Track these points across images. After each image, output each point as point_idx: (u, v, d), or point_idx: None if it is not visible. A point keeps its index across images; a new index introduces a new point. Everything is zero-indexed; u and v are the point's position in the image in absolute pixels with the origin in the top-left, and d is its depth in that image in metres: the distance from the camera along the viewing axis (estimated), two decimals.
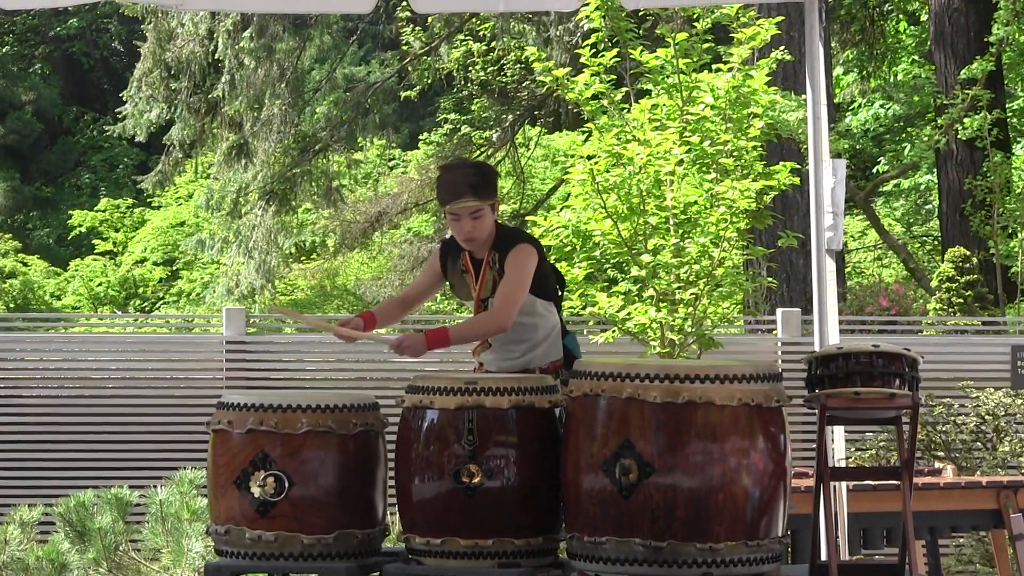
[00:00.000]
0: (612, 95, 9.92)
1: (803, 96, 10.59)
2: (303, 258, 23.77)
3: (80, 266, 25.59)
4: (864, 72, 21.00)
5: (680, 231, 9.59)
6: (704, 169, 9.75)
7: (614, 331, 9.81)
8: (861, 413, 5.67)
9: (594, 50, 10.01)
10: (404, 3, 16.82)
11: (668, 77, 9.92)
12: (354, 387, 10.33)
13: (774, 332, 10.91)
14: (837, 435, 7.26)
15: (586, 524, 5.15)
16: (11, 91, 30.38)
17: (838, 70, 21.07)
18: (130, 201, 27.30)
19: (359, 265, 23.44)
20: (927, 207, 22.12)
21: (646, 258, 9.50)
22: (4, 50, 31.03)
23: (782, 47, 10.70)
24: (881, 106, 21.36)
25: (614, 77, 9.99)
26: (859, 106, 21.96)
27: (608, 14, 10.07)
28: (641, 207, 9.56)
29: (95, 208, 27.17)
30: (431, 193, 19.47)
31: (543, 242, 9.51)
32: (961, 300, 13.73)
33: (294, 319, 6.34)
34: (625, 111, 9.99)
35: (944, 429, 9.83)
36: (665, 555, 5.03)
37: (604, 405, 5.13)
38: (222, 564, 5.47)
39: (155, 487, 9.04)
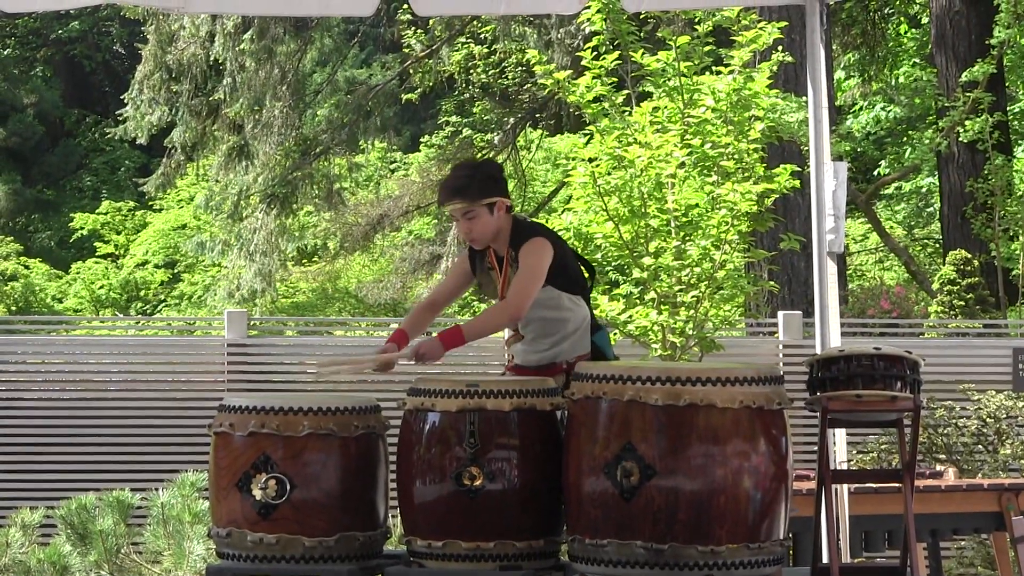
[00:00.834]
0: (613, 98, 9.93)
1: (804, 99, 10.59)
2: (304, 261, 23.77)
3: (81, 269, 25.59)
4: (865, 75, 21.00)
5: (681, 234, 9.59)
6: (705, 172, 9.75)
7: (616, 334, 9.80)
8: (862, 416, 5.67)
9: (595, 53, 10.02)
10: (405, 6, 16.82)
11: (669, 80, 9.92)
12: (355, 389, 10.31)
13: (775, 335, 10.91)
14: (839, 438, 7.26)
15: (587, 526, 5.15)
16: (13, 93, 30.39)
17: (839, 73, 21.07)
18: (131, 204, 27.30)
19: (360, 268, 23.44)
20: (928, 210, 22.11)
21: (647, 261, 9.51)
22: (6, 52, 31.04)
23: (780, 48, 10.70)
24: (882, 109, 21.36)
25: (615, 80, 10.00)
26: (860, 109, 21.96)
27: (609, 17, 10.07)
28: (642, 210, 9.56)
29: (96, 211, 27.17)
30: (432, 196, 19.48)
31: None
32: (962, 303, 13.73)
33: (347, 368, 6.34)
34: (626, 114, 10.00)
35: (946, 432, 9.83)
36: (666, 558, 5.03)
37: (606, 408, 5.13)
38: (224, 567, 5.47)
39: (157, 490, 9.03)
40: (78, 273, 25.52)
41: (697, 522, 5.02)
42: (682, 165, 9.61)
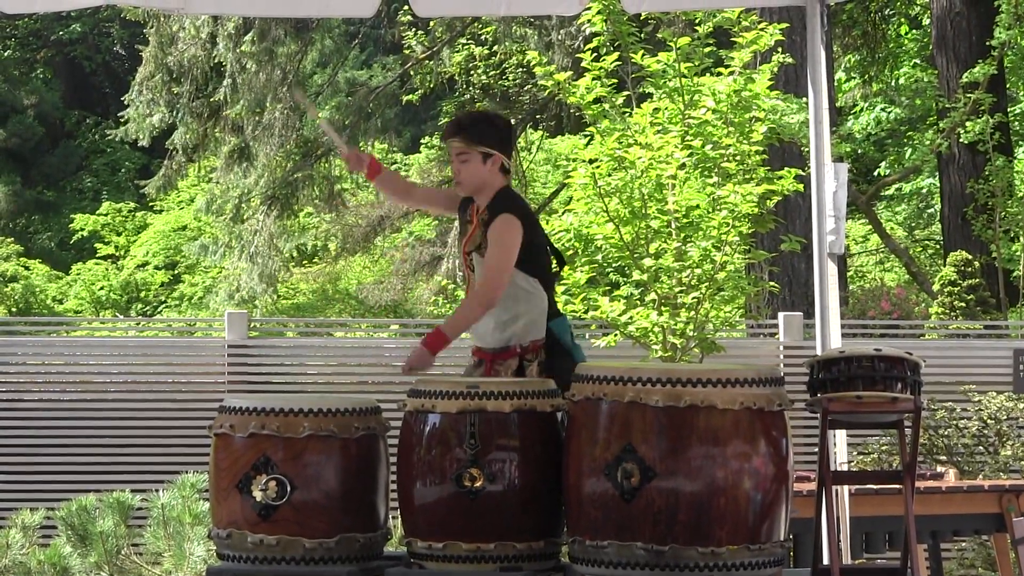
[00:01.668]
0: (614, 99, 9.93)
1: (805, 100, 10.59)
2: (304, 262, 23.78)
3: (82, 270, 25.60)
4: (866, 76, 21.01)
5: (682, 235, 9.59)
6: (706, 173, 9.75)
7: (616, 335, 9.81)
8: (863, 417, 5.67)
9: (596, 54, 10.02)
10: (406, 7, 16.82)
11: (670, 81, 9.92)
12: (356, 391, 10.31)
13: (776, 336, 10.91)
14: (839, 439, 7.25)
15: (588, 528, 5.14)
16: (13, 95, 30.40)
17: (840, 74, 21.07)
18: (132, 205, 27.32)
19: (361, 269, 23.45)
20: (929, 211, 22.12)
21: (648, 262, 9.50)
22: (6, 54, 31.05)
23: (781, 50, 10.70)
24: (883, 110, 21.36)
25: (616, 81, 10.00)
26: (861, 110, 21.96)
27: (610, 18, 10.07)
28: (643, 211, 9.56)
29: (97, 212, 27.18)
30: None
31: None
32: (963, 304, 13.73)
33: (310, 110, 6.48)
34: (627, 115, 10.00)
35: (946, 433, 9.83)
36: (667, 559, 5.02)
37: (606, 409, 5.12)
38: (224, 568, 5.47)
39: (157, 491, 9.03)
40: (78, 274, 25.53)
41: (697, 523, 5.02)
42: (682, 166, 9.61)
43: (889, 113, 21.34)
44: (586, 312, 9.68)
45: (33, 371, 10.54)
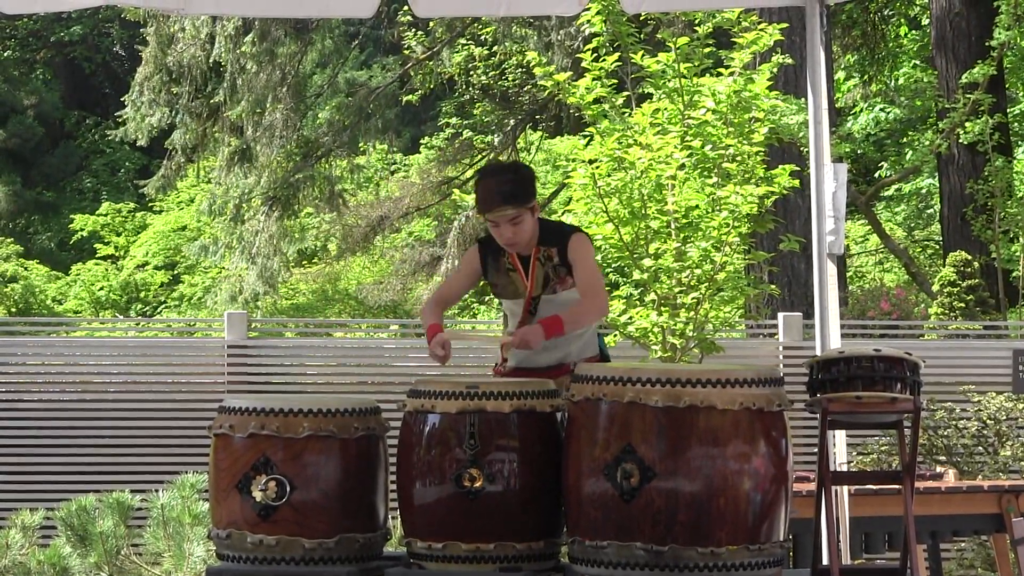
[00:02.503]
0: (613, 99, 9.93)
1: (804, 100, 10.60)
2: (304, 262, 23.78)
3: (82, 270, 25.61)
4: (865, 76, 21.01)
5: (682, 235, 9.59)
6: (705, 173, 9.75)
7: (616, 335, 9.81)
8: (863, 417, 5.67)
9: (595, 54, 10.01)
10: (405, 7, 16.83)
11: (669, 81, 9.92)
12: (356, 391, 10.32)
13: (776, 336, 10.91)
14: (839, 439, 7.25)
15: (587, 528, 5.14)
16: (13, 95, 30.40)
17: (839, 74, 21.08)
18: (132, 205, 27.32)
19: (360, 269, 23.45)
20: (928, 211, 22.12)
21: (648, 262, 9.51)
22: (6, 54, 31.05)
23: (780, 50, 10.70)
24: (882, 110, 21.37)
25: (615, 81, 10.00)
26: (860, 110, 21.96)
27: (609, 18, 10.07)
28: (643, 211, 9.56)
29: (97, 212, 27.19)
30: (432, 197, 19.50)
31: None
32: (963, 304, 13.73)
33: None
34: (626, 115, 10.00)
35: (946, 433, 9.83)
36: (666, 559, 5.03)
37: (606, 409, 5.12)
38: (224, 568, 5.47)
39: (157, 491, 9.03)
40: (78, 275, 25.53)
41: (697, 524, 5.02)
42: (682, 167, 9.61)
43: (888, 113, 21.35)
44: None
45: (33, 371, 10.54)
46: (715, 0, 9.34)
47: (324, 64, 21.42)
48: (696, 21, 10.32)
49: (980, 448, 9.91)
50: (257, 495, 5.36)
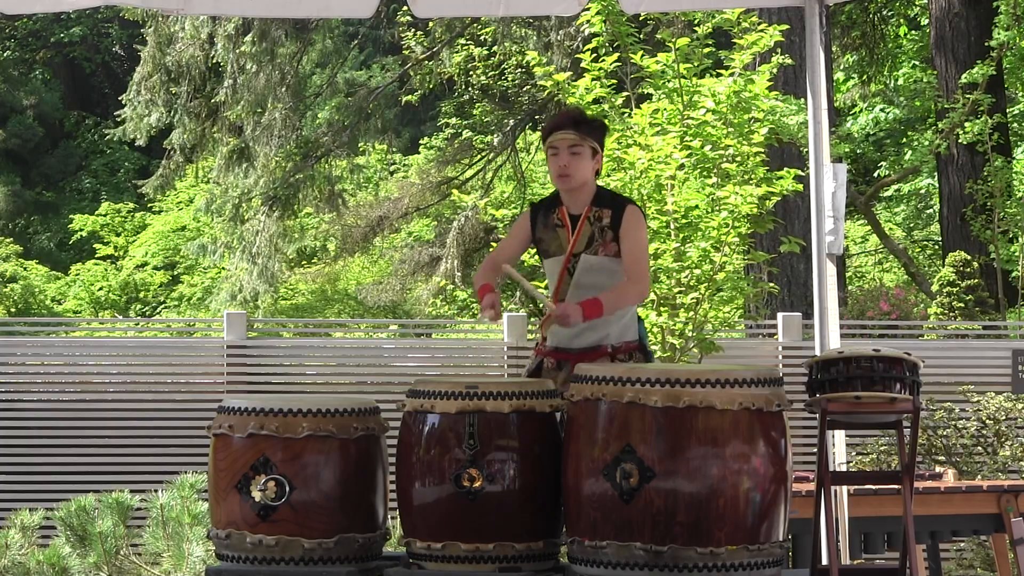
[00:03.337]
0: (613, 99, 9.93)
1: (804, 100, 10.60)
2: (304, 262, 23.79)
3: (81, 270, 25.62)
4: (865, 77, 21.01)
5: (681, 235, 9.59)
6: (705, 174, 9.75)
7: None
8: (862, 417, 5.67)
9: (595, 54, 10.01)
10: (405, 7, 16.83)
11: (669, 82, 9.92)
12: (355, 391, 10.32)
13: (775, 336, 10.91)
14: (838, 439, 7.26)
15: (587, 528, 5.14)
16: (12, 95, 30.41)
17: (839, 75, 21.08)
18: (131, 205, 27.34)
19: (360, 269, 23.46)
20: (928, 211, 22.12)
21: None
22: (5, 54, 31.05)
23: (780, 50, 10.70)
24: (882, 110, 21.38)
25: (615, 82, 10.00)
26: (860, 110, 21.97)
27: (609, 18, 10.07)
28: (642, 211, 9.55)
29: (96, 212, 27.20)
30: (432, 197, 19.50)
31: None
32: (962, 304, 13.73)
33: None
34: (626, 115, 10.00)
35: (945, 433, 9.83)
36: (666, 560, 5.03)
37: (605, 409, 5.12)
38: (223, 568, 5.47)
39: (156, 491, 9.03)
40: (77, 275, 25.55)
41: (696, 524, 5.02)
42: (681, 167, 9.61)
43: (888, 114, 21.35)
44: None
45: (32, 371, 10.54)
46: (715, 0, 9.34)
47: (323, 64, 21.44)
48: (696, 21, 10.32)
49: (979, 448, 9.91)
50: (256, 495, 5.36)
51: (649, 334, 9.54)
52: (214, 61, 18.35)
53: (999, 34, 16.21)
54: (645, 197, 9.55)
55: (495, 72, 19.05)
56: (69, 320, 20.22)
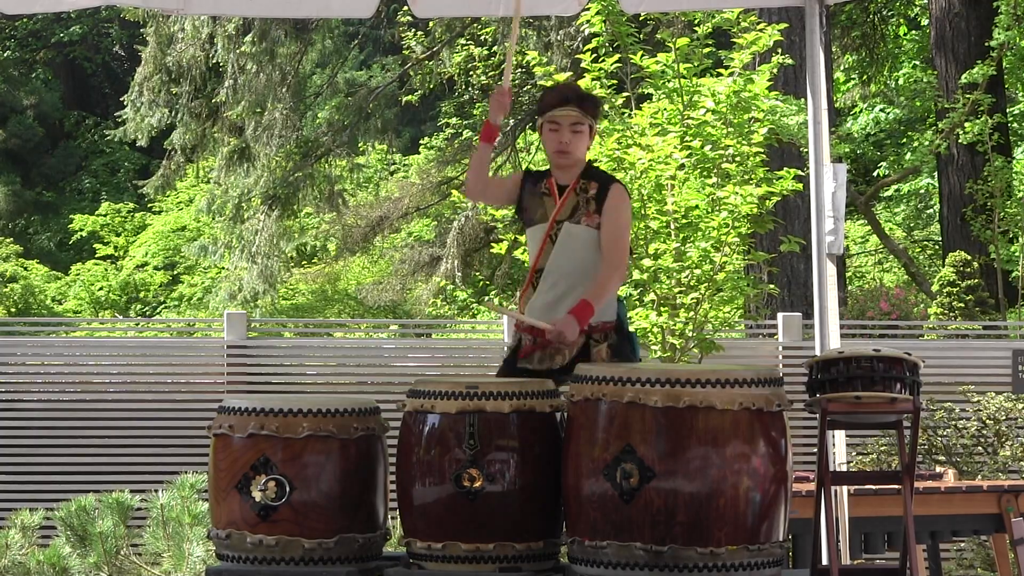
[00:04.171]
0: (613, 99, 9.93)
1: (804, 100, 10.60)
2: (304, 262, 23.79)
3: (81, 270, 25.61)
4: (865, 77, 21.01)
5: (681, 236, 9.59)
6: (705, 174, 9.75)
7: None
8: (862, 417, 5.67)
9: (595, 55, 10.02)
10: (405, 7, 16.84)
11: (669, 82, 9.92)
12: (355, 391, 10.32)
13: (775, 336, 10.91)
14: (838, 439, 7.26)
15: (587, 528, 5.14)
16: (13, 95, 30.41)
17: (839, 74, 21.08)
18: (131, 205, 27.34)
19: (360, 269, 23.45)
20: (928, 211, 22.12)
21: (647, 262, 9.51)
22: (6, 54, 31.05)
23: (780, 50, 10.70)
24: (882, 111, 21.37)
25: (615, 82, 10.00)
26: (860, 111, 21.97)
27: (609, 19, 10.07)
28: (642, 211, 9.57)
29: (96, 212, 27.20)
30: (432, 197, 19.50)
31: None
32: (962, 304, 13.73)
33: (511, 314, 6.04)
34: (626, 116, 10.00)
35: (945, 433, 9.83)
36: (666, 560, 5.03)
37: (605, 409, 5.12)
38: (223, 568, 5.47)
39: (156, 491, 9.03)
40: (78, 275, 25.54)
41: (696, 524, 5.02)
42: (682, 167, 9.62)
43: (888, 114, 21.35)
44: None
45: (32, 371, 10.54)
46: (714, 0, 9.35)
47: (324, 64, 21.44)
48: (696, 21, 10.32)
49: (979, 448, 9.91)
50: (256, 495, 5.37)
51: (649, 334, 9.56)
52: (214, 61, 18.35)
53: (999, 34, 16.21)
54: (645, 197, 9.55)
55: (495, 72, 19.05)
56: (69, 320, 20.23)
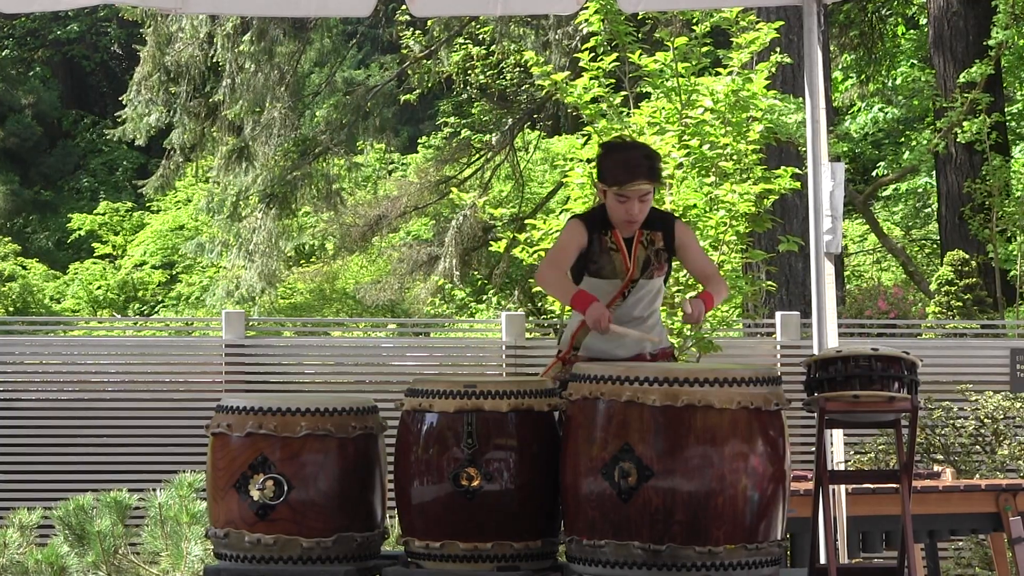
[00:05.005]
0: (611, 99, 9.92)
1: (802, 99, 10.60)
2: (302, 261, 23.78)
3: (79, 269, 25.60)
4: (863, 76, 21.01)
5: None
6: (703, 172, 9.75)
7: None
8: (860, 416, 5.67)
9: (593, 54, 10.01)
10: (403, 7, 16.84)
11: (667, 81, 9.92)
12: (353, 390, 10.31)
13: (773, 335, 10.90)
14: (836, 438, 7.26)
15: (585, 527, 5.15)
16: (11, 94, 30.40)
17: (837, 74, 21.08)
18: (129, 204, 27.33)
19: (358, 268, 23.44)
20: (926, 211, 22.13)
21: None
22: (4, 53, 31.04)
23: (778, 49, 10.70)
24: (880, 110, 21.36)
25: (613, 81, 10.00)
26: (858, 110, 21.97)
27: (607, 17, 10.06)
28: None
29: (94, 211, 27.19)
30: (430, 196, 19.48)
31: (542, 246, 9.53)
32: (960, 303, 13.73)
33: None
34: (624, 115, 10.00)
35: (943, 432, 9.83)
36: (664, 559, 5.03)
37: (603, 408, 5.13)
38: (221, 567, 5.47)
39: (154, 490, 9.02)
40: (76, 274, 25.53)
41: (695, 523, 5.02)
42: (680, 166, 9.61)
43: (886, 113, 21.34)
44: None
45: (30, 371, 10.53)
46: (713, 0, 9.34)
47: (322, 63, 21.43)
48: (694, 20, 10.31)
49: (977, 447, 9.91)
50: (255, 494, 5.37)
51: None
52: (213, 60, 18.35)
53: (997, 33, 16.21)
54: None
55: (493, 71, 19.06)
56: (67, 319, 20.21)
